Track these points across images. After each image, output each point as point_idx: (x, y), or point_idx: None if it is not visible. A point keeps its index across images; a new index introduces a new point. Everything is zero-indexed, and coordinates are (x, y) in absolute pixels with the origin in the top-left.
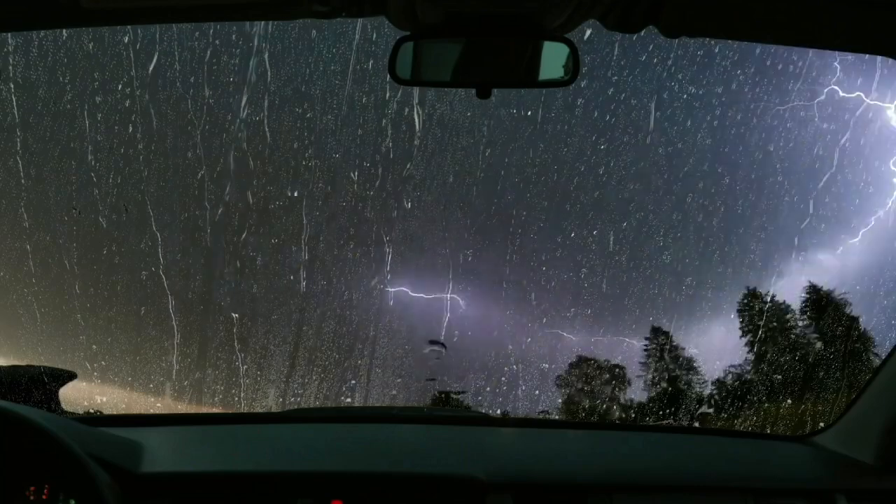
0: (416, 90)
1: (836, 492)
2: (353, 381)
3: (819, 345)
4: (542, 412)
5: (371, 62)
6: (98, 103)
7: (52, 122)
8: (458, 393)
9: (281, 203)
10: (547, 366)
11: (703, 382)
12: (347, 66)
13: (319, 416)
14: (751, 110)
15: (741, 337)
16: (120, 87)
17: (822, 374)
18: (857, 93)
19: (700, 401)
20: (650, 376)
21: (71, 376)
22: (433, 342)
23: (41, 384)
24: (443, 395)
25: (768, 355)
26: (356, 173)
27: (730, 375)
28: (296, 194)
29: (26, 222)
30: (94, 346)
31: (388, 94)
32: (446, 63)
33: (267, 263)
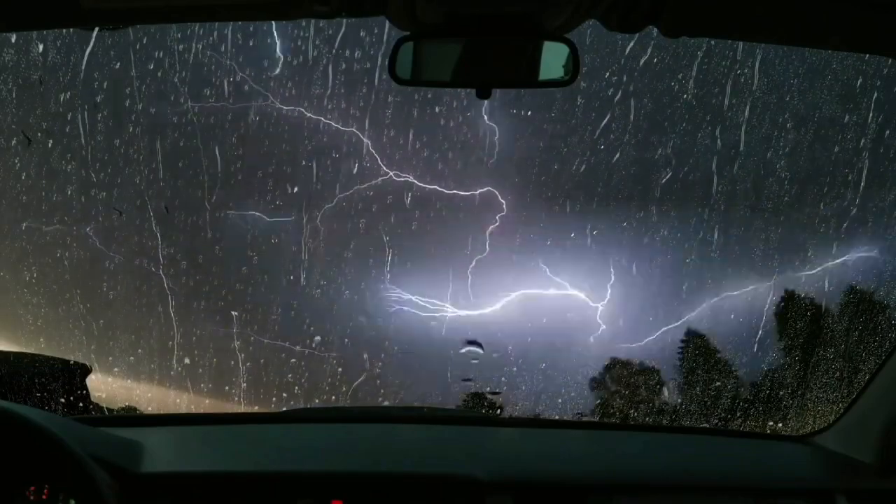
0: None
1: (836, 492)
2: (356, 381)
3: (820, 345)
4: (541, 412)
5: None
6: (97, 103)
7: (51, 121)
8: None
9: (281, 203)
10: (545, 365)
11: (703, 382)
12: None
13: (319, 416)
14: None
15: (742, 336)
16: (119, 86)
17: (822, 374)
18: (861, 92)
19: (700, 401)
20: (651, 376)
21: (72, 374)
22: (471, 342)
23: (51, 379)
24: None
25: (770, 355)
26: (358, 168)
27: (731, 375)
28: (296, 191)
29: (24, 224)
30: (94, 346)
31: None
32: (446, 63)
33: (267, 263)
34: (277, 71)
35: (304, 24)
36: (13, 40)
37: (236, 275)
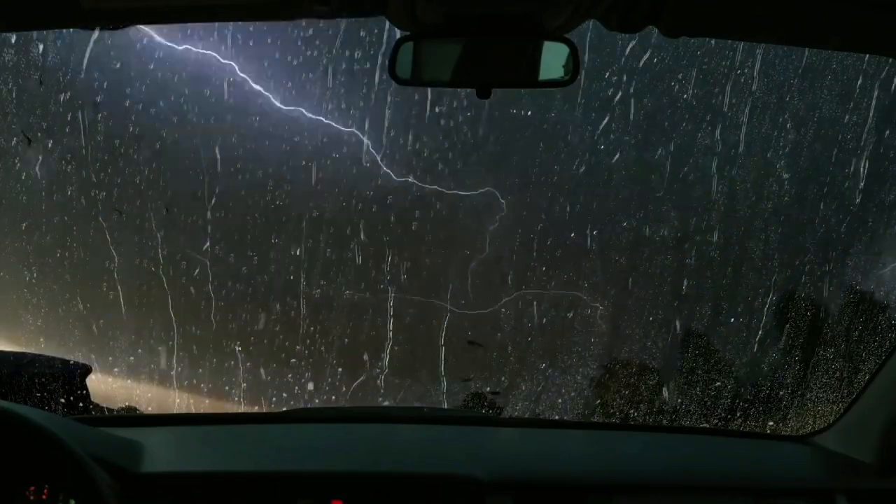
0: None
1: (836, 492)
2: (358, 381)
3: (820, 345)
4: (542, 412)
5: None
6: (97, 103)
7: (51, 121)
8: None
9: (281, 203)
10: (545, 365)
11: (703, 382)
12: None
13: (319, 416)
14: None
15: (742, 336)
16: (119, 86)
17: (822, 374)
18: (861, 92)
19: (700, 401)
20: (650, 376)
21: (72, 374)
22: (471, 342)
23: (51, 379)
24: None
25: (770, 355)
26: (358, 168)
27: (731, 375)
28: (296, 191)
29: (26, 223)
30: (94, 346)
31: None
32: (446, 63)
33: (267, 262)
34: (277, 71)
35: (304, 24)
36: (13, 40)
37: (236, 274)
